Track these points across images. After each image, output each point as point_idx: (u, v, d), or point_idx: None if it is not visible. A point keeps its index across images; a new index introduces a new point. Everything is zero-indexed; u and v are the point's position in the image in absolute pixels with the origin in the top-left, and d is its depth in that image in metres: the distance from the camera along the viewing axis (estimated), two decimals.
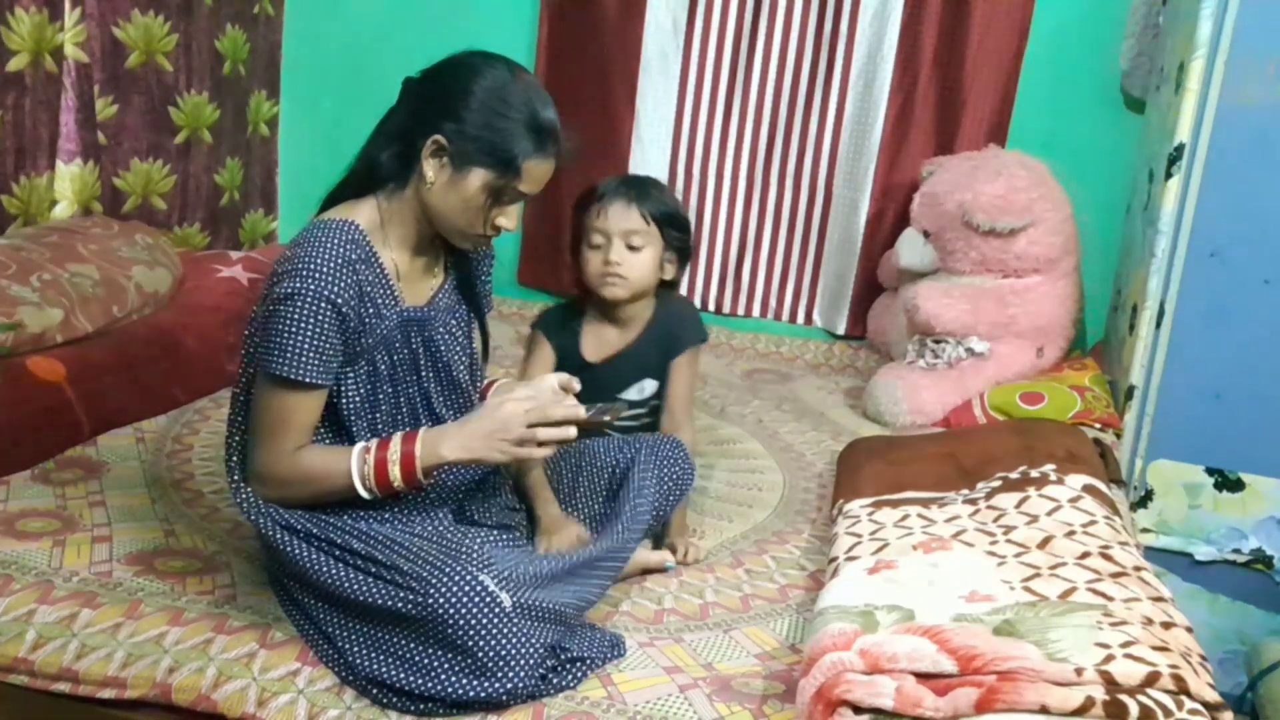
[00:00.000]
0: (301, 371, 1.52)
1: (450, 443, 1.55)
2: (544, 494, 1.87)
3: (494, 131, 1.54)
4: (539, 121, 1.57)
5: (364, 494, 1.56)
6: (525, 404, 1.55)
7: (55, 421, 2.13)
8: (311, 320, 1.50)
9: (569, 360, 2.06)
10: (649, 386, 2.08)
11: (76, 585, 1.67)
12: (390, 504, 1.65)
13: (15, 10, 2.42)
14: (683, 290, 3.29)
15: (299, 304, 1.50)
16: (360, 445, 1.57)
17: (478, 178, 1.56)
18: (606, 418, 1.62)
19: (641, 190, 2.01)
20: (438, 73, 1.60)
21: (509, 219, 1.62)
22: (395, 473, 1.55)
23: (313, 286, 1.50)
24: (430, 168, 1.57)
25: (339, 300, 1.52)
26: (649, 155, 3.24)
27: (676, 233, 2.04)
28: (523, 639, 1.44)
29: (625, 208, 1.99)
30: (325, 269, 1.51)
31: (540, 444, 1.54)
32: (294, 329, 1.50)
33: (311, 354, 1.51)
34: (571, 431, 1.55)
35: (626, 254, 1.99)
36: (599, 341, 2.09)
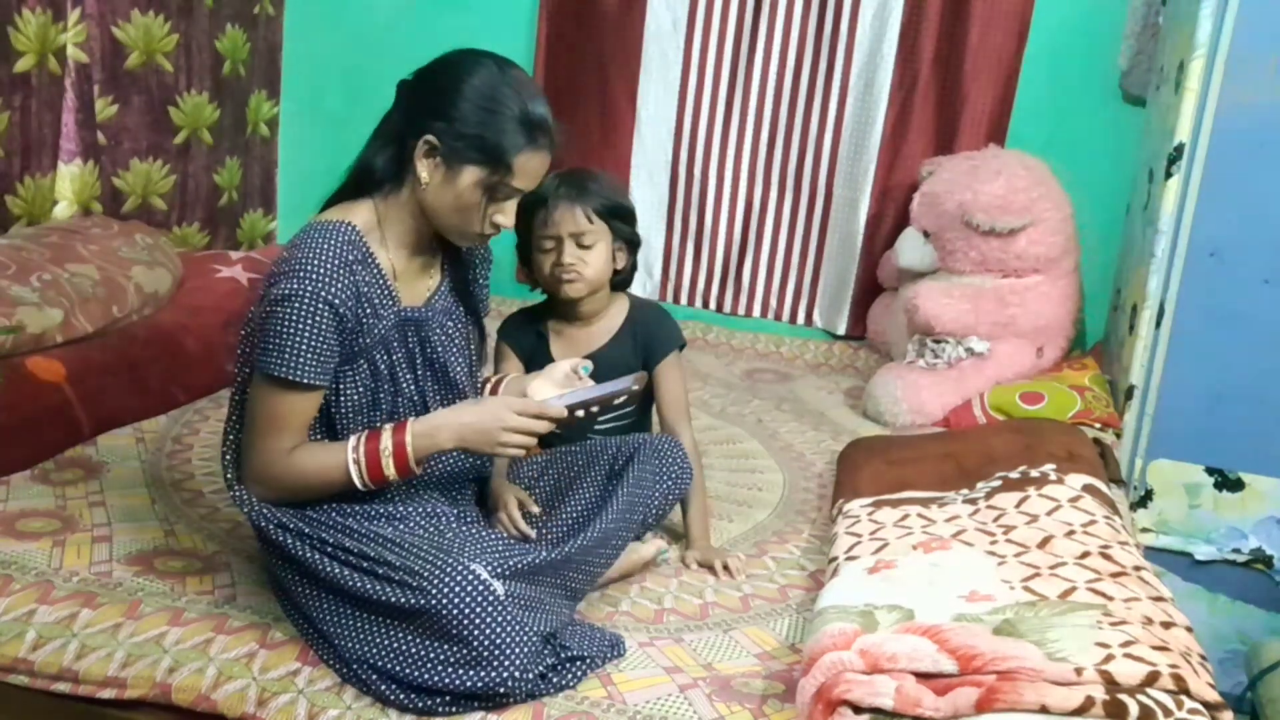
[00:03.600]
0: (298, 372, 1.52)
1: (444, 431, 1.56)
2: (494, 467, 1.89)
3: (484, 128, 1.54)
4: (529, 116, 1.56)
5: (360, 487, 1.56)
6: (516, 404, 1.57)
7: (55, 421, 2.13)
8: (309, 321, 1.51)
9: (537, 363, 2.04)
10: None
11: (76, 585, 1.67)
12: (382, 497, 1.65)
13: (22, 11, 2.43)
14: (683, 290, 3.32)
15: (296, 305, 1.50)
16: (352, 440, 1.57)
17: (470, 175, 1.56)
18: (620, 399, 1.62)
19: (581, 188, 2.03)
20: (427, 73, 1.61)
21: (506, 216, 1.62)
22: (389, 464, 1.55)
23: (310, 288, 1.50)
24: (424, 168, 1.57)
25: (336, 301, 1.52)
26: (649, 155, 3.24)
27: (622, 224, 2.08)
28: (517, 627, 1.44)
29: (570, 209, 2.00)
30: (322, 270, 1.51)
31: (524, 434, 1.56)
32: (291, 330, 1.50)
33: (308, 355, 1.52)
34: (544, 424, 1.56)
35: (578, 252, 2.02)
36: (567, 343, 2.10)
